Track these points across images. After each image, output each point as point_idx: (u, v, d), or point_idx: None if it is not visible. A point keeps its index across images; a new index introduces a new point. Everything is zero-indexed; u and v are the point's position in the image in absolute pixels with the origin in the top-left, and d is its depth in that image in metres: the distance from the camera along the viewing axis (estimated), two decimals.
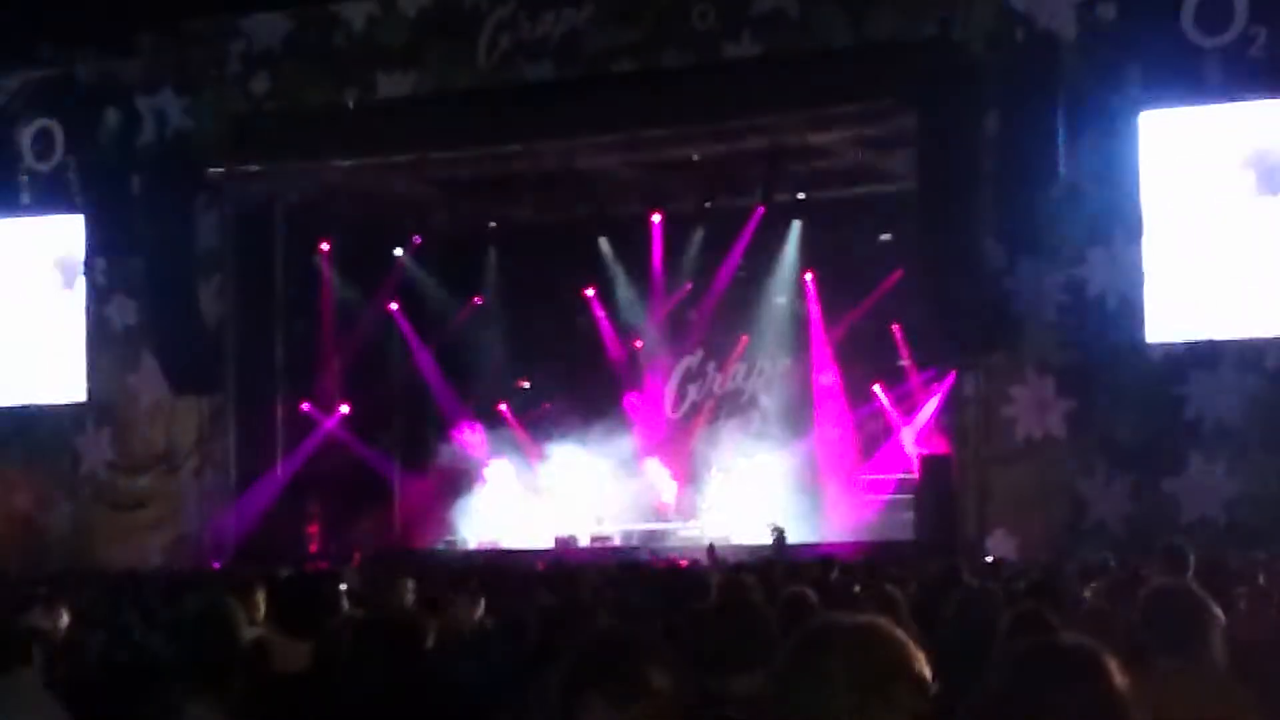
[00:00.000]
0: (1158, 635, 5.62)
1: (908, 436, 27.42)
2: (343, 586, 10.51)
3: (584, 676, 3.53)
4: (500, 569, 21.02)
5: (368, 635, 5.43)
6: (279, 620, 6.99)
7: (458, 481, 29.82)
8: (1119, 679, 3.25)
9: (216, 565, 25.04)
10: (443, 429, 30.53)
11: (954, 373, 24.88)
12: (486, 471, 29.88)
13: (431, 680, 5.62)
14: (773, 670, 3.28)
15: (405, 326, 30.43)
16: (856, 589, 10.27)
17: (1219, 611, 5.77)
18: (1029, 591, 6.94)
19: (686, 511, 28.54)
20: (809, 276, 29.03)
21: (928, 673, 3.16)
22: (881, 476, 27.83)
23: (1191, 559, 9.83)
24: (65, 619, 10.25)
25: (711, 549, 24.29)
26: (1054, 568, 14.94)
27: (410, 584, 10.85)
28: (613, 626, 3.86)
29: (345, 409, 29.22)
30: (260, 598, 8.36)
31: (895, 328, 28.18)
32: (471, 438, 30.40)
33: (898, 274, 27.70)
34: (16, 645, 7.12)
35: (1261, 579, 10.61)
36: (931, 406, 26.92)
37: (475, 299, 31.13)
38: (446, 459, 30.10)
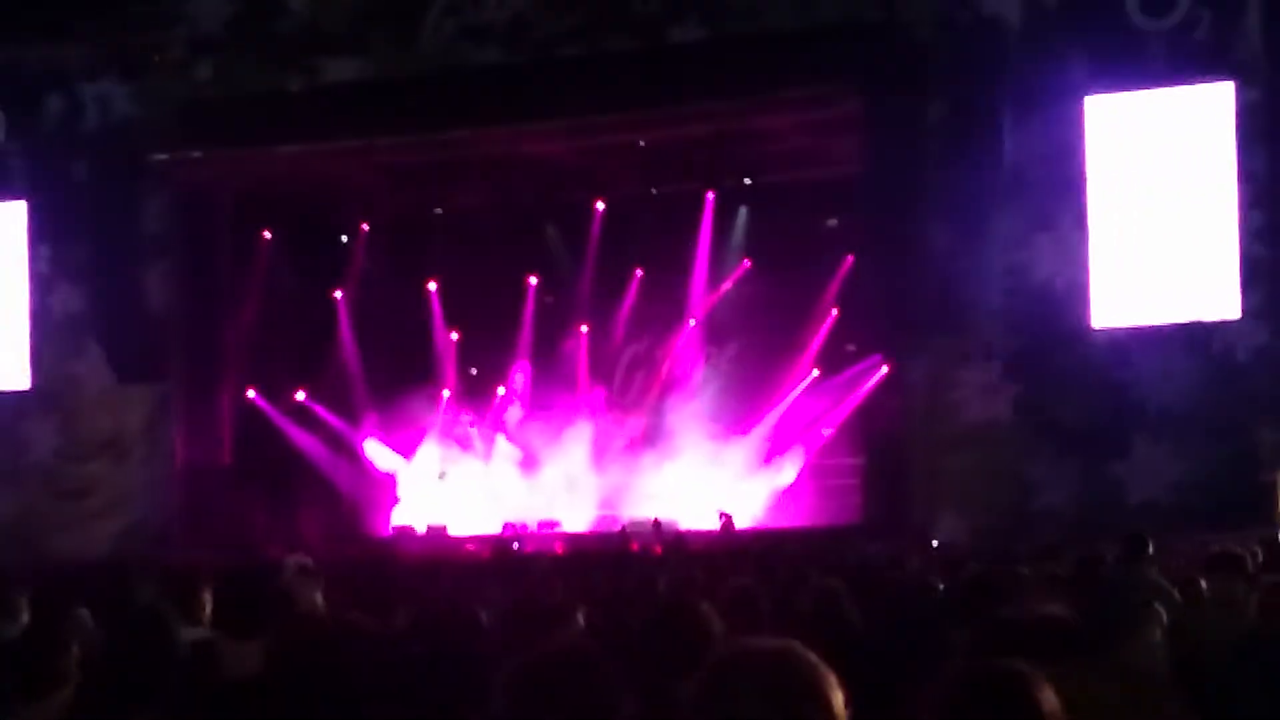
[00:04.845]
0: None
1: (852, 421, 27.40)
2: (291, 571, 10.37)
3: (541, 695, 3.53)
4: (450, 558, 21.05)
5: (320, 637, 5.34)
6: (223, 621, 6.89)
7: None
8: (1050, 704, 3.34)
9: (162, 554, 24.89)
10: (389, 416, 30.36)
11: (899, 358, 24.90)
12: (417, 455, 29.70)
13: (378, 683, 5.58)
14: (686, 697, 3.29)
15: (351, 313, 30.28)
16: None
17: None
18: (973, 586, 6.95)
19: (634, 497, 28.52)
20: (752, 262, 29.08)
21: (840, 697, 3.19)
22: (828, 460, 27.89)
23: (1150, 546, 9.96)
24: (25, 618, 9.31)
25: (657, 523, 24.37)
26: (1001, 553, 14.98)
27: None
28: (570, 642, 3.85)
29: (294, 396, 29.10)
30: (206, 595, 8.20)
31: (838, 312, 28.21)
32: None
33: (849, 260, 27.71)
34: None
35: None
36: (868, 389, 26.79)
37: (423, 285, 31.03)
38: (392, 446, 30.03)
